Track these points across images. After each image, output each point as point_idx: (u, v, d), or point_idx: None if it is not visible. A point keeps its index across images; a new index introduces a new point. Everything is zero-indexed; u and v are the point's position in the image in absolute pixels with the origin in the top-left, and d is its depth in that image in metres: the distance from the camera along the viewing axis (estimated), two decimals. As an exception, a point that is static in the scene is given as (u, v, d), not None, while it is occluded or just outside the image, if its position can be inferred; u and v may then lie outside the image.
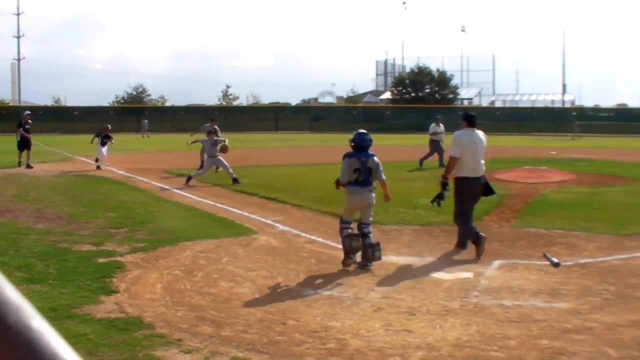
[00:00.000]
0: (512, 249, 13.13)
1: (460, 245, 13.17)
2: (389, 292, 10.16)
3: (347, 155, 11.88)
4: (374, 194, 11.93)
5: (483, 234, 12.65)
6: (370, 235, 11.83)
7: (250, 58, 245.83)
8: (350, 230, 11.86)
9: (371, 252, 11.53)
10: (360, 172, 11.71)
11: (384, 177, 12.00)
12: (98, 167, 31.15)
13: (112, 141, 32.80)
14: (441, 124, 32.72)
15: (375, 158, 11.92)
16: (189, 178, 24.73)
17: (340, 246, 12.59)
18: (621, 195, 20.88)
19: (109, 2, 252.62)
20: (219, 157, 25.47)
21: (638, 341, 7.80)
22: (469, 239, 12.95)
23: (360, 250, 11.66)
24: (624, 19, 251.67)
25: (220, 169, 26.15)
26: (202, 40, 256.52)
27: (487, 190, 13.39)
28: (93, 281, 10.49)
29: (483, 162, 13.31)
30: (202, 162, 27.85)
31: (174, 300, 9.65)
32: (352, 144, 12.02)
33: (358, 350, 7.66)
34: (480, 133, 13.44)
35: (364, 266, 11.50)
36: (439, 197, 13.31)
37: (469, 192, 13.09)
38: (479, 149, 13.13)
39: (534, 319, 8.73)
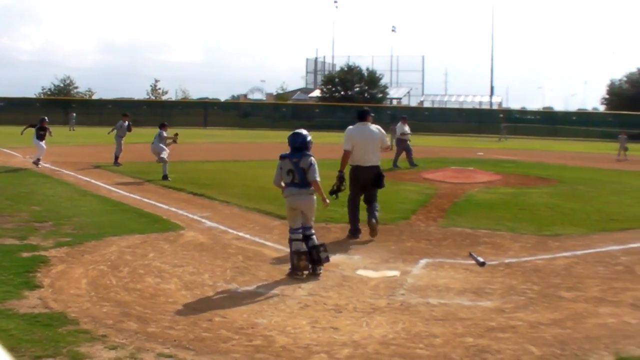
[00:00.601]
0: (439, 248, 13.24)
1: (364, 233, 14.19)
2: (315, 290, 10.17)
3: (280, 157, 11.51)
4: (314, 196, 11.48)
5: (359, 233, 14.25)
6: (313, 237, 11.43)
7: (179, 53, 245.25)
8: (301, 245, 11.22)
9: (316, 254, 11.12)
10: (295, 173, 11.29)
11: (317, 178, 11.24)
12: (35, 163, 28.77)
13: (51, 133, 30.41)
14: (406, 126, 33.20)
15: (311, 158, 11.34)
16: (165, 176, 24.52)
17: (269, 244, 12.73)
18: (546, 196, 21.21)
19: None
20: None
21: (560, 339, 7.91)
22: (350, 226, 14.42)
23: (308, 268, 11.15)
24: (551, 25, 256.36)
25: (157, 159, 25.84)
26: (131, 33, 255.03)
27: (377, 182, 14.29)
28: (16, 276, 10.28)
29: (378, 153, 14.34)
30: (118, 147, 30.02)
31: (99, 296, 9.53)
32: (288, 144, 11.57)
33: (284, 347, 7.65)
34: (374, 126, 14.48)
35: (313, 272, 11.06)
36: (337, 190, 14.03)
37: (359, 179, 14.17)
38: (368, 141, 14.20)
39: (459, 317, 8.82)
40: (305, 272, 11.04)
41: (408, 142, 32.45)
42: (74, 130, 72.25)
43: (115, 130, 31.30)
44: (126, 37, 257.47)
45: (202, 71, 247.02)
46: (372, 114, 14.78)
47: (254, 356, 7.35)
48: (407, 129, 32.81)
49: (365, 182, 14.23)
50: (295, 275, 10.96)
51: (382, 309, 9.19)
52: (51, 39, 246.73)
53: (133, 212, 17.01)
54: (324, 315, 8.92)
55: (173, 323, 8.41)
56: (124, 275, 10.72)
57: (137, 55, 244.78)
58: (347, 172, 14.14)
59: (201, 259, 11.98)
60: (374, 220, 13.94)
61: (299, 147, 11.40)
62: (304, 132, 11.63)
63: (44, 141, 29.14)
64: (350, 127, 14.51)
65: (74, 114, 79.17)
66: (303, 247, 11.15)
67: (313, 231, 11.52)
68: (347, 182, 14.09)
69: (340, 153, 14.29)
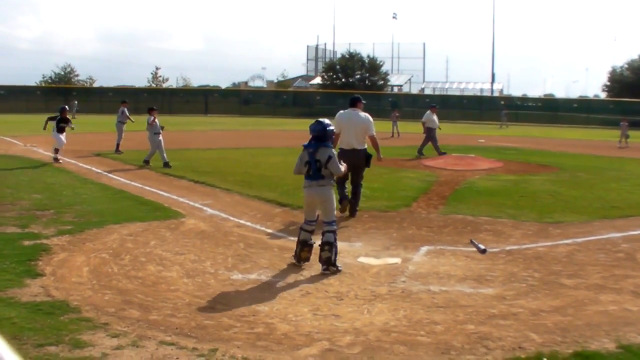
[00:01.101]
0: (440, 235, 13.25)
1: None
2: (317, 277, 10.19)
3: (303, 147, 11.08)
4: (327, 189, 10.93)
5: (347, 199, 15.03)
6: (329, 234, 10.78)
7: (180, 40, 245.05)
8: (307, 236, 10.97)
9: (320, 252, 10.72)
10: (310, 165, 10.85)
11: (339, 172, 11.04)
12: (56, 160, 26.25)
13: (72, 126, 27.97)
14: (435, 115, 32.62)
15: (330, 150, 10.93)
16: (166, 163, 24.59)
17: (270, 231, 12.88)
18: (547, 183, 21.21)
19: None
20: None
21: (561, 326, 7.93)
22: (339, 197, 14.71)
23: (308, 260, 10.97)
24: (552, 12, 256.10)
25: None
26: (131, 21, 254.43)
27: (366, 163, 15.23)
28: (18, 264, 10.30)
29: (362, 139, 15.21)
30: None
31: (100, 284, 9.54)
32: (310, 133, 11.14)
33: (286, 334, 7.66)
34: (362, 113, 15.33)
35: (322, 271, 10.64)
36: None
37: (345, 161, 14.08)
38: (353, 126, 15.11)
39: (460, 305, 8.84)
40: (306, 263, 10.94)
41: (434, 130, 32.18)
42: (75, 118, 72.19)
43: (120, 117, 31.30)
44: (126, 25, 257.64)
45: (202, 59, 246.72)
46: (364, 102, 15.53)
47: (255, 344, 7.36)
48: (435, 118, 32.41)
49: (352, 164, 14.43)
50: (297, 264, 10.90)
51: (383, 297, 9.20)
52: (50, 27, 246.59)
53: (134, 199, 17.03)
54: (325, 302, 8.93)
55: (175, 311, 8.42)
56: (126, 263, 10.73)
57: (138, 43, 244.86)
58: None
59: (202, 247, 12.00)
60: (352, 200, 15.10)
61: (317, 136, 10.92)
62: (326, 121, 11.12)
63: (64, 134, 26.60)
64: (341, 111, 15.47)
65: (76, 102, 78.93)
66: (310, 238, 10.95)
67: (333, 227, 10.87)
68: None
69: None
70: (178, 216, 14.73)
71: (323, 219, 11.02)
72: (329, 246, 10.64)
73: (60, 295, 8.87)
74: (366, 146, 15.13)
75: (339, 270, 10.58)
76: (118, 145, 30.03)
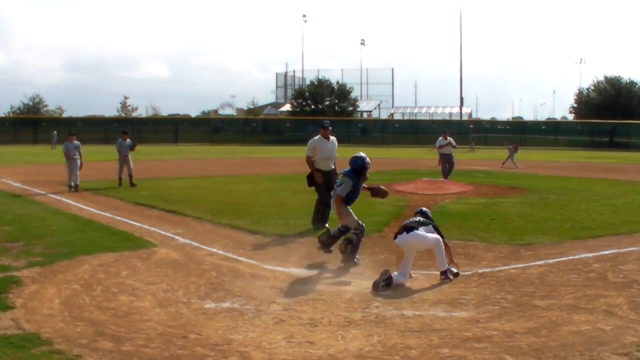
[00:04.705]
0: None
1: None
2: (290, 304, 10.15)
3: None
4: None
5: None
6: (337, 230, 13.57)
7: (148, 69, 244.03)
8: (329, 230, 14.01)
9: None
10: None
11: (338, 193, 13.05)
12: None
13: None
14: (449, 137, 32.32)
15: (343, 178, 13.15)
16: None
17: (242, 259, 12.85)
18: (517, 205, 21.32)
19: (2, 11, 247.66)
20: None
21: (535, 348, 7.94)
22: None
23: (324, 244, 13.58)
24: (519, 36, 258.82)
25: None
26: (98, 49, 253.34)
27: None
28: (-13, 297, 10.20)
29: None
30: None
31: (72, 316, 9.45)
32: None
33: (260, 362, 7.62)
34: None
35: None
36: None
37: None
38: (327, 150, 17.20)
39: (434, 329, 8.83)
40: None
41: (451, 154, 32.48)
42: (55, 148, 71.74)
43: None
44: (93, 54, 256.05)
45: (171, 87, 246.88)
46: (329, 128, 17.31)
47: (230, 372, 7.32)
48: (445, 142, 32.29)
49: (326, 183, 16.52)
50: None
51: (357, 322, 9.18)
52: (18, 57, 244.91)
53: (105, 230, 16.92)
54: (299, 329, 8.90)
55: (148, 341, 8.35)
56: (97, 294, 10.65)
57: (105, 72, 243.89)
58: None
59: (175, 276, 11.93)
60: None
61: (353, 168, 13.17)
62: (359, 155, 13.37)
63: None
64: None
65: (55, 132, 78.44)
66: (334, 230, 13.72)
67: (342, 228, 13.40)
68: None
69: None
70: (149, 246, 14.64)
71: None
72: (348, 239, 13.05)
73: (32, 328, 8.78)
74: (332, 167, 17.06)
75: (357, 262, 12.95)
76: (130, 177, 29.01)
